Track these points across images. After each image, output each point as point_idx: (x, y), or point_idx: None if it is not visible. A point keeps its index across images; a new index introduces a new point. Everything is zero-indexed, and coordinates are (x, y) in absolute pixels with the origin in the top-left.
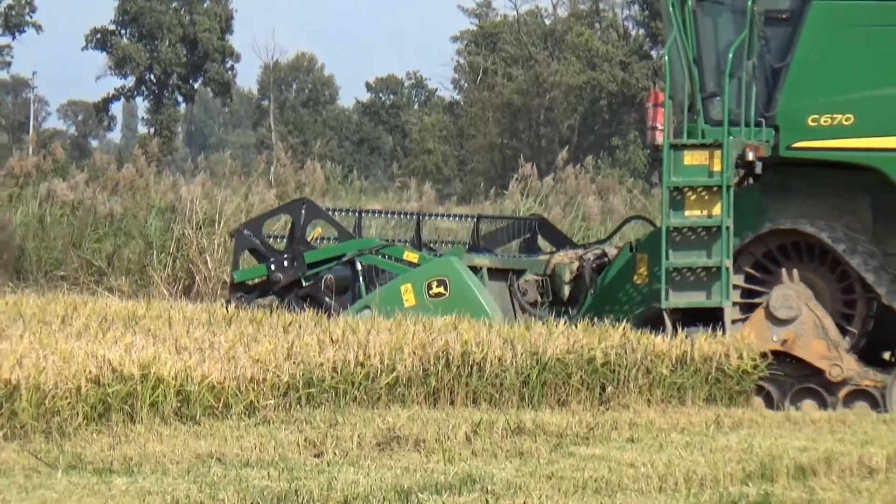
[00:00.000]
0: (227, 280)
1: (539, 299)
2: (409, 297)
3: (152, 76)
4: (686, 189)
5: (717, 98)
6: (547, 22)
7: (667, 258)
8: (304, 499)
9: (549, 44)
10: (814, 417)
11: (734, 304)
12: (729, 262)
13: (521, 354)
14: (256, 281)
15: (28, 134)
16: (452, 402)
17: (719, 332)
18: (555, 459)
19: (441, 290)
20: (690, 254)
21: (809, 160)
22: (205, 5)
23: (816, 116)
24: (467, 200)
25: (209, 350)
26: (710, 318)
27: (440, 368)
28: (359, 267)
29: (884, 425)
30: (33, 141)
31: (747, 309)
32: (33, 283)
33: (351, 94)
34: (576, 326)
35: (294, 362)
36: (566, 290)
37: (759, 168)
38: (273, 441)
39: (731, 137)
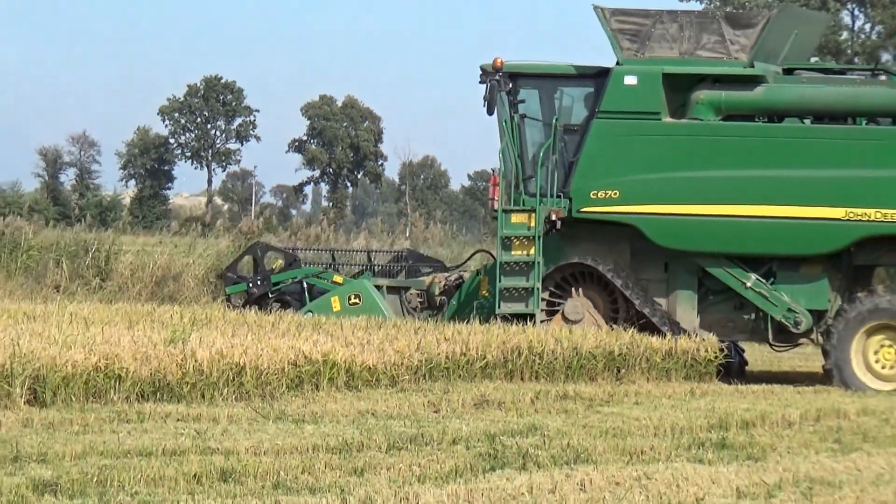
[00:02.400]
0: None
1: (419, 307)
2: (336, 305)
3: (331, 170)
4: (513, 238)
5: (533, 179)
6: None
7: (500, 281)
8: (427, 440)
9: None
10: (753, 389)
11: (542, 310)
12: (539, 285)
13: (567, 348)
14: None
15: (251, 206)
16: (522, 378)
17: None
18: (587, 415)
19: (357, 300)
20: (515, 279)
21: (591, 219)
22: (364, 124)
23: (596, 191)
24: None
25: (367, 344)
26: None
27: (515, 356)
28: (305, 285)
29: (798, 395)
30: (254, 211)
31: (551, 314)
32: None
33: (458, 181)
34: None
35: (421, 352)
36: (437, 300)
37: (559, 224)
38: (407, 402)
39: (542, 205)
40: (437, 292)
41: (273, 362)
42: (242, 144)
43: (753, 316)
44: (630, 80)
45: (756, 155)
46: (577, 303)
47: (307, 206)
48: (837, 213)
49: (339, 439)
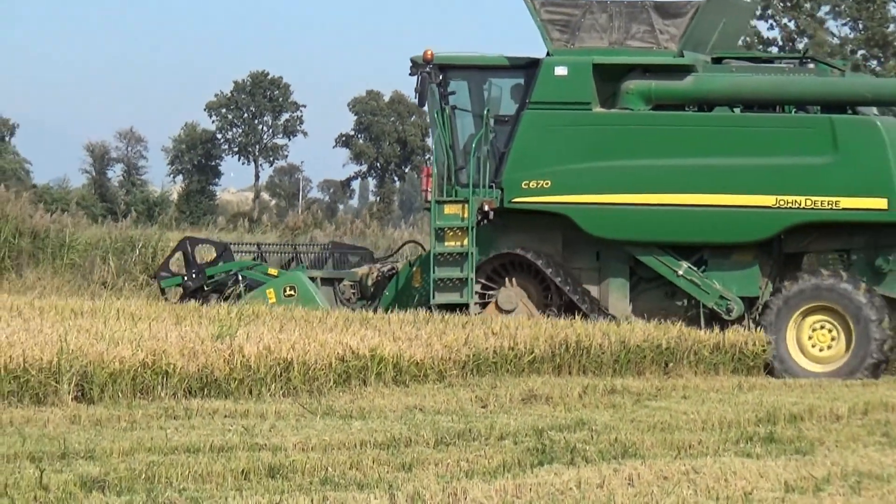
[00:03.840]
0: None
1: (352, 297)
2: (271, 297)
3: (378, 164)
4: (447, 229)
5: (465, 170)
6: None
7: (434, 272)
8: (475, 435)
9: None
10: (801, 383)
11: (476, 301)
12: (472, 275)
13: (614, 342)
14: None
15: (298, 201)
16: (570, 373)
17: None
18: (635, 409)
19: (292, 292)
20: (449, 269)
21: (523, 210)
22: (411, 119)
23: (528, 182)
24: None
25: (415, 339)
26: (463, 308)
27: (562, 351)
28: (240, 278)
29: (846, 388)
30: (301, 206)
31: (484, 304)
32: None
33: None
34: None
35: (469, 347)
36: (369, 290)
37: (491, 215)
38: (455, 397)
39: (474, 196)
40: (370, 283)
41: (320, 357)
42: (289, 140)
43: (686, 303)
44: (560, 70)
45: (686, 144)
46: (511, 292)
47: (354, 201)
48: (767, 200)
49: (387, 435)
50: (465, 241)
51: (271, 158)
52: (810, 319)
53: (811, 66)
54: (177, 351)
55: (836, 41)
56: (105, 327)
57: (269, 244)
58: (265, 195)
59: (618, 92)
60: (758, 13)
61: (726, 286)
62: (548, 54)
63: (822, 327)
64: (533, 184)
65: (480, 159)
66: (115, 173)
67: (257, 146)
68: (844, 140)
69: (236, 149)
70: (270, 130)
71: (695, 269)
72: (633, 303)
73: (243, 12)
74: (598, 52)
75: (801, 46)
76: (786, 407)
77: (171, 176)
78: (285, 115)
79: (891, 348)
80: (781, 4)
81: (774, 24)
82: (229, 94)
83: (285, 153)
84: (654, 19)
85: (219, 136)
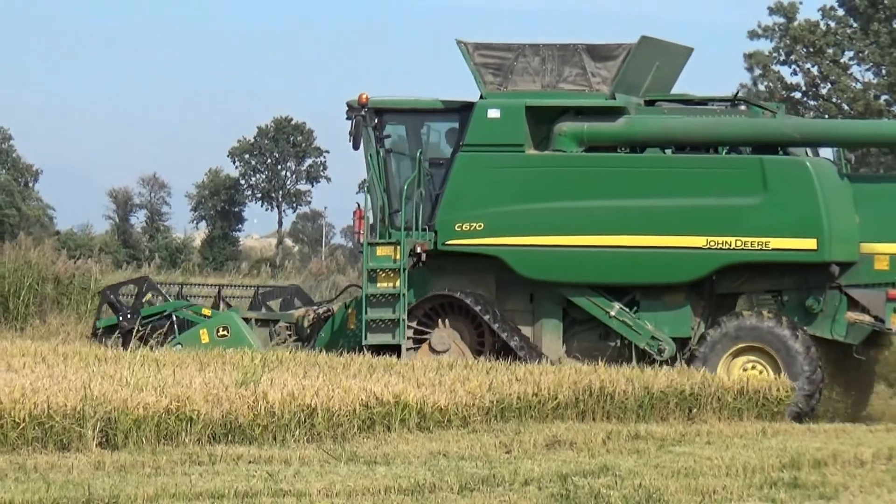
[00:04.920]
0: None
1: (287, 339)
2: (205, 338)
3: None
4: (379, 271)
5: (399, 213)
6: None
7: (366, 313)
8: (499, 481)
9: None
10: (825, 428)
11: (410, 341)
12: (405, 316)
13: (638, 388)
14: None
15: (321, 247)
16: (594, 418)
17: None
18: (659, 455)
19: (225, 332)
20: (382, 311)
21: (457, 252)
22: None
23: (461, 224)
24: None
25: (438, 385)
26: (395, 349)
27: (586, 396)
28: (174, 318)
29: (870, 434)
30: (324, 252)
31: (418, 345)
32: None
33: None
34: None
35: (493, 392)
36: (305, 332)
37: (424, 257)
38: (479, 443)
39: (407, 238)
40: (306, 325)
41: (345, 403)
42: (313, 185)
43: (618, 344)
44: (493, 113)
45: (618, 185)
46: (444, 333)
47: None
48: (698, 241)
49: (411, 481)
50: (398, 283)
51: (294, 204)
52: (740, 360)
53: (743, 108)
54: (201, 397)
55: (859, 86)
56: (129, 373)
57: (229, 286)
58: (288, 241)
59: (551, 134)
60: (781, 59)
61: (658, 327)
62: (481, 97)
63: (752, 367)
64: (466, 226)
65: (414, 202)
66: (139, 219)
67: (280, 192)
68: (774, 181)
69: (259, 195)
70: (294, 176)
71: (627, 309)
72: (567, 344)
73: (266, 57)
74: (531, 94)
75: (824, 91)
76: (810, 452)
77: (195, 222)
78: (308, 161)
79: (820, 389)
80: (804, 50)
81: (798, 69)
82: (252, 140)
83: (308, 199)
84: (586, 62)
85: (242, 181)
